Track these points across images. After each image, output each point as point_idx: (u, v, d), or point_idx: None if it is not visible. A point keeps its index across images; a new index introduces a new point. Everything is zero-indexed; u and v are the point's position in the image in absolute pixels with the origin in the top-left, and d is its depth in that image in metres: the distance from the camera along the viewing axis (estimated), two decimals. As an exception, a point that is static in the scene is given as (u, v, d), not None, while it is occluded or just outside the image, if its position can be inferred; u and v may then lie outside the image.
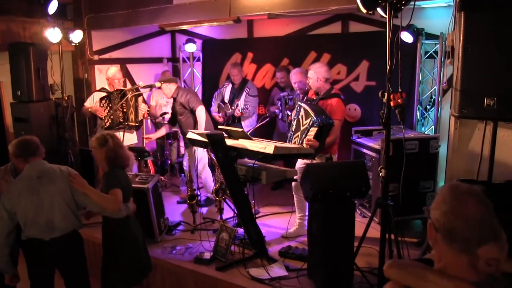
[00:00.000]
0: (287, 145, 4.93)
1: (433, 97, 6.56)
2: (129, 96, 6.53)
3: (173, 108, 6.70)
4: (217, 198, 5.73)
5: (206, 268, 4.76)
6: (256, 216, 5.66)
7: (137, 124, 6.80)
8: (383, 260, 3.88)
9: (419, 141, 5.58)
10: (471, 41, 3.62)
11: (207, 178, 6.58)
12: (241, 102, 7.48)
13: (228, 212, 5.91)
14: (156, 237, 5.39)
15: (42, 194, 3.80)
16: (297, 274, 4.55)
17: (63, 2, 7.23)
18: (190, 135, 5.09)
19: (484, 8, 3.63)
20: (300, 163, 5.33)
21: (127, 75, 8.54)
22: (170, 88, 6.47)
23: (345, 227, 4.23)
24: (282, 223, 5.84)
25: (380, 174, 4.07)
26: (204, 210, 6.40)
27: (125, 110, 6.62)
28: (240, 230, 5.13)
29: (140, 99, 6.76)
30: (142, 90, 6.85)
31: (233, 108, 7.44)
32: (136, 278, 4.24)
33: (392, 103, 3.82)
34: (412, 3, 3.77)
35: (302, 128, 5.06)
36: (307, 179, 4.27)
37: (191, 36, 8.93)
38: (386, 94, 3.83)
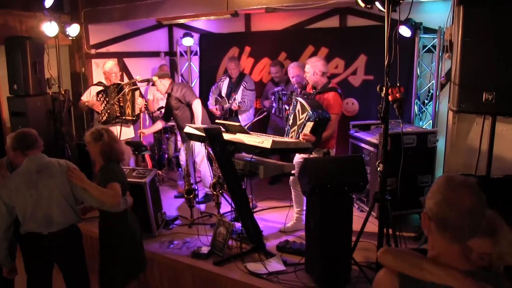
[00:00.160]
0: (285, 139, 4.92)
1: (431, 91, 6.55)
2: (126, 90, 6.51)
3: (167, 103, 6.66)
4: (214, 193, 5.73)
5: (204, 263, 4.76)
6: (254, 210, 5.65)
7: (133, 118, 6.78)
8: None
9: (417, 135, 5.56)
10: (470, 35, 3.61)
11: (206, 172, 6.57)
12: (238, 96, 7.47)
13: (226, 207, 5.91)
14: (154, 232, 5.38)
15: (40, 189, 3.79)
16: (294, 268, 4.55)
17: (59, -4, 7.21)
18: (188, 129, 5.08)
19: (483, 2, 3.63)
20: (298, 158, 5.32)
21: (124, 69, 8.52)
22: (164, 83, 6.43)
23: (343, 221, 4.23)
24: (279, 218, 5.84)
25: (378, 169, 4.07)
26: (202, 207, 6.38)
27: (121, 104, 6.59)
28: (238, 225, 5.12)
29: (137, 93, 6.75)
30: (139, 84, 6.83)
31: (230, 102, 7.43)
32: (134, 272, 4.24)
33: (390, 98, 3.81)
34: (411, -3, 3.76)
35: (298, 122, 5.04)
36: (305, 174, 4.26)
37: (189, 30, 8.90)
38: (384, 88, 3.82)
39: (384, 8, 3.72)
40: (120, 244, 4.03)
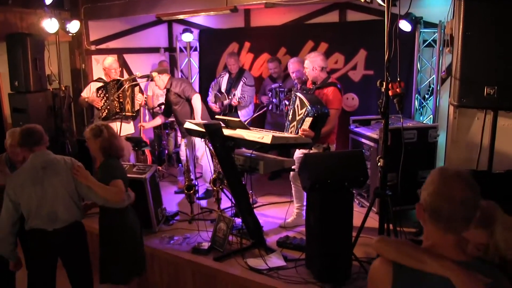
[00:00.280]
0: (285, 135, 4.91)
1: (432, 86, 6.54)
2: (126, 86, 6.50)
3: (166, 99, 6.65)
4: (214, 188, 5.72)
5: (204, 258, 4.75)
6: (254, 206, 5.65)
7: (133, 114, 6.79)
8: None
9: (417, 130, 5.55)
10: (471, 29, 3.59)
11: (207, 167, 6.55)
12: (238, 92, 7.46)
13: (226, 202, 5.90)
14: (154, 227, 5.38)
15: (46, 185, 3.79)
16: (295, 264, 4.54)
17: (59, -8, 7.20)
18: (187, 125, 5.08)
19: (484, -4, 3.61)
20: (298, 153, 5.32)
21: (124, 65, 8.52)
22: (163, 79, 6.42)
23: (343, 217, 4.21)
24: (280, 213, 5.83)
25: (379, 164, 4.07)
26: (203, 202, 6.38)
27: (121, 100, 6.60)
28: (238, 220, 5.11)
29: (136, 89, 6.75)
30: (139, 80, 6.83)
31: (230, 97, 7.42)
32: (135, 269, 4.22)
33: (390, 93, 3.80)
34: (411, -9, 3.75)
35: (297, 118, 5.04)
36: (305, 169, 4.25)
37: (188, 25, 8.87)
38: (384, 83, 3.81)
39: (384, 3, 3.71)
40: (121, 241, 4.03)
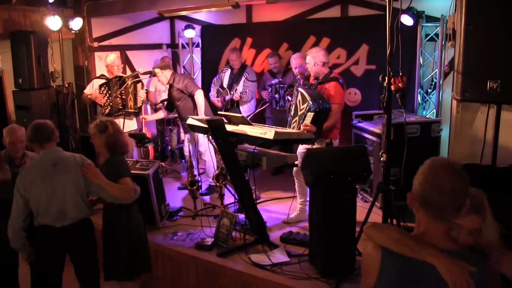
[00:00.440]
0: (287, 130, 4.91)
1: (434, 80, 6.53)
2: (128, 82, 6.51)
3: (169, 94, 6.67)
4: (217, 184, 5.73)
5: (207, 254, 4.76)
6: (257, 201, 5.64)
7: (136, 110, 6.80)
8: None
9: (420, 125, 5.54)
10: (473, 23, 3.57)
11: (210, 162, 6.55)
12: (239, 87, 7.48)
13: (229, 198, 5.91)
14: (157, 223, 5.39)
15: (55, 182, 3.80)
16: (298, 259, 4.54)
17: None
18: (190, 121, 5.08)
19: (486, -11, 3.59)
20: (301, 148, 5.32)
21: (127, 61, 8.51)
22: (165, 75, 6.43)
23: (346, 212, 4.21)
24: (283, 209, 5.84)
25: (382, 159, 4.07)
26: (206, 198, 6.39)
27: (124, 97, 6.60)
28: (241, 216, 5.12)
29: (139, 85, 6.75)
30: (141, 77, 6.83)
31: (232, 92, 7.43)
32: (141, 266, 4.21)
33: (392, 87, 3.80)
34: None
35: (299, 113, 5.04)
36: (308, 165, 4.25)
37: (190, 22, 8.87)
38: (386, 78, 3.81)
39: (386, -3, 3.70)
40: (125, 237, 4.03)
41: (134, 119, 7.03)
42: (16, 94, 6.79)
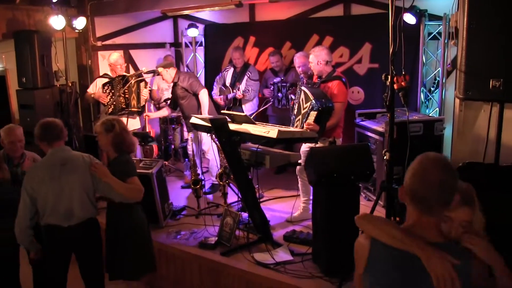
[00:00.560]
0: (290, 129, 4.92)
1: (437, 78, 6.53)
2: (131, 81, 6.52)
3: (173, 92, 6.66)
4: (221, 183, 5.74)
5: (211, 253, 4.77)
6: (260, 200, 5.65)
7: (139, 109, 6.80)
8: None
9: (423, 123, 5.54)
10: (476, 21, 3.56)
11: (213, 161, 6.56)
12: (242, 86, 7.49)
13: (233, 197, 5.92)
14: (161, 222, 5.40)
15: (63, 182, 3.80)
16: (302, 258, 4.54)
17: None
18: (194, 120, 5.08)
19: (488, -12, 3.58)
20: (304, 147, 5.32)
21: (130, 60, 8.54)
22: (170, 73, 6.44)
23: (349, 211, 4.19)
24: (286, 207, 5.84)
25: (385, 157, 4.07)
26: (209, 197, 6.39)
27: (127, 96, 6.61)
28: (245, 215, 5.12)
29: (142, 84, 6.75)
30: (145, 76, 6.84)
31: (234, 91, 7.44)
32: (145, 265, 4.21)
33: (395, 86, 3.80)
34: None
35: (302, 111, 5.05)
36: (311, 163, 4.25)
37: (193, 21, 8.86)
38: (389, 76, 3.81)
39: (389, -4, 3.70)
40: (129, 236, 4.03)
41: (138, 118, 7.04)
42: (19, 93, 6.82)
